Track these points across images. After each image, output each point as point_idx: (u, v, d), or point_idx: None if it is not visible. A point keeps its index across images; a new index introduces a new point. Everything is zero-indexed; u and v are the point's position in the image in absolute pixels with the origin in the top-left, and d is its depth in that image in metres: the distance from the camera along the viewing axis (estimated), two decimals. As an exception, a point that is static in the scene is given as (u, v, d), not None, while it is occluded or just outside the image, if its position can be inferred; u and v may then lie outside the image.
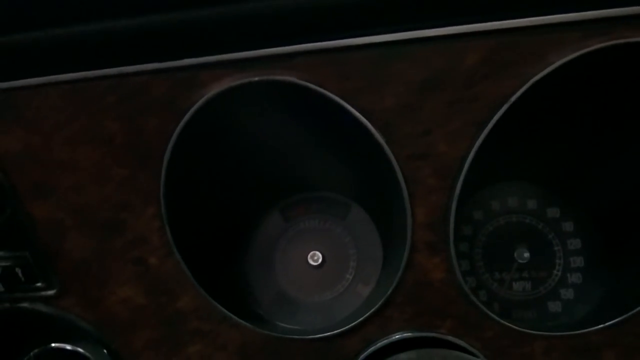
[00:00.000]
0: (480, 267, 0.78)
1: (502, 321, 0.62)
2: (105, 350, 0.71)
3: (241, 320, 0.64)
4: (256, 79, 0.49)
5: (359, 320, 0.63)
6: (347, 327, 0.64)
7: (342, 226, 0.81)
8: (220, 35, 0.49)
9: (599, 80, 0.52)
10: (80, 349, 0.75)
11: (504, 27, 0.46)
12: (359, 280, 0.79)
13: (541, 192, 0.78)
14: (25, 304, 0.68)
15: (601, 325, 0.61)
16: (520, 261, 0.75)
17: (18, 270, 0.63)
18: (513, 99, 0.48)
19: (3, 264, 0.63)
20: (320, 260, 0.78)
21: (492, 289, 0.77)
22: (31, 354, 0.77)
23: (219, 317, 0.65)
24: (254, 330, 0.65)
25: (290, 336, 0.66)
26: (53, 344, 0.77)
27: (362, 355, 0.65)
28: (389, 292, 0.61)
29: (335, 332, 0.64)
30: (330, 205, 0.82)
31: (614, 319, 0.61)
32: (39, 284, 0.66)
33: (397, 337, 0.65)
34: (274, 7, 0.47)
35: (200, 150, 0.59)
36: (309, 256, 0.78)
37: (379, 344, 0.65)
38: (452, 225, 0.56)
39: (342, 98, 0.50)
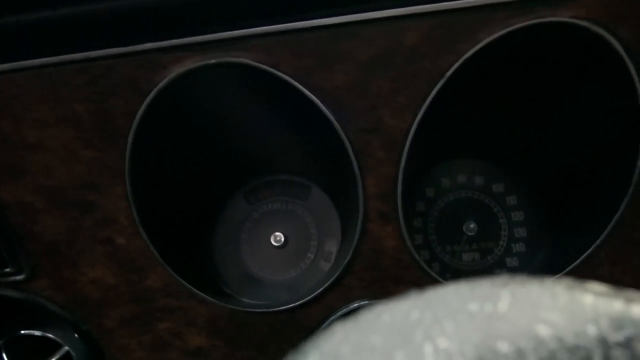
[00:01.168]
0: (434, 241, 0.83)
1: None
2: (76, 334, 0.73)
3: (208, 297, 0.67)
4: (213, 61, 0.53)
5: (319, 290, 0.67)
6: (310, 297, 0.68)
7: (304, 207, 0.85)
8: (181, 19, 0.53)
9: (526, 56, 0.58)
10: (50, 335, 0.77)
11: (439, 9, 0.51)
12: (321, 258, 0.83)
13: (487, 168, 0.84)
14: (-6, 290, 0.70)
15: (540, 284, 0.67)
16: (469, 234, 0.80)
17: (-15, 257, 0.65)
18: (448, 74, 0.54)
19: (-30, 250, 0.65)
20: (282, 241, 0.82)
21: (445, 261, 0.83)
22: (0, 342, 0.78)
23: (187, 294, 0.68)
24: (222, 305, 0.68)
25: (256, 310, 0.69)
26: (22, 331, 0.78)
27: (325, 324, 0.70)
28: (346, 261, 0.66)
29: (298, 302, 0.68)
30: (292, 187, 0.86)
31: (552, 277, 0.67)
32: (7, 269, 0.68)
33: (355, 305, 0.70)
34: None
35: (164, 131, 0.62)
36: (271, 237, 0.82)
37: (339, 312, 0.69)
38: (399, 195, 0.61)
39: (295, 77, 0.54)
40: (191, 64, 0.54)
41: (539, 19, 0.51)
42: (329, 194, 0.83)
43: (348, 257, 0.66)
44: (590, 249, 0.64)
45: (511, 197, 0.83)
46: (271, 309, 0.69)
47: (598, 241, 0.64)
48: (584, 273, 0.66)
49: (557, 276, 0.66)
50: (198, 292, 0.67)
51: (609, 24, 0.52)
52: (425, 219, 0.84)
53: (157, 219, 0.67)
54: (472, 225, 0.80)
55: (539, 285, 0.20)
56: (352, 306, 0.69)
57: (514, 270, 0.82)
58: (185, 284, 0.67)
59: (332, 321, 0.69)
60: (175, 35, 0.53)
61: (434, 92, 0.55)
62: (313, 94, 0.56)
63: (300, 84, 0.55)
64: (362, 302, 0.69)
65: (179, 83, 0.55)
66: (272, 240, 0.82)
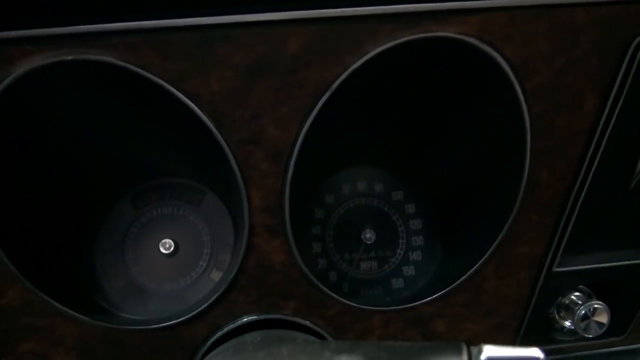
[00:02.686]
0: (332, 249, 0.81)
1: (342, 299, 0.65)
2: None
3: (77, 314, 0.61)
4: (69, 57, 0.46)
5: (203, 306, 0.63)
6: (192, 313, 0.63)
7: (196, 213, 0.80)
8: (28, 6, 0.45)
9: (415, 68, 0.56)
10: None
11: (322, 15, 0.48)
12: (213, 267, 0.78)
13: (387, 176, 0.83)
14: None
15: (429, 298, 0.66)
16: (367, 242, 0.79)
17: None
18: (334, 85, 0.50)
19: None
20: (172, 248, 0.76)
21: (342, 269, 0.81)
22: None
23: (52, 312, 0.61)
24: (93, 323, 0.62)
25: (133, 327, 0.64)
26: None
27: (210, 341, 0.65)
28: (231, 276, 0.62)
29: (180, 319, 0.63)
30: (184, 191, 0.80)
31: (440, 292, 0.67)
32: None
33: (243, 320, 0.66)
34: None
35: (14, 133, 0.54)
36: (160, 244, 0.76)
37: (226, 329, 0.65)
38: (287, 209, 0.58)
39: (166, 81, 0.49)
40: (42, 60, 0.47)
41: (427, 34, 0.49)
42: (223, 199, 0.78)
43: (233, 272, 0.62)
44: (477, 264, 0.64)
45: (410, 205, 0.83)
46: (150, 326, 0.64)
47: (484, 256, 0.64)
48: (472, 286, 0.67)
49: (447, 289, 0.66)
50: (65, 309, 0.61)
51: (496, 42, 0.51)
52: (324, 226, 0.81)
53: (14, 228, 0.59)
54: (370, 234, 0.79)
55: None
56: (239, 322, 0.66)
57: (409, 279, 0.81)
58: (50, 300, 0.60)
59: (217, 338, 0.65)
60: (22, 26, 0.46)
61: (320, 104, 0.52)
62: (189, 100, 0.51)
63: (174, 88, 0.50)
64: (249, 318, 0.66)
65: (31, 80, 0.48)
66: (160, 248, 0.76)
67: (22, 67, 0.47)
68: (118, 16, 0.46)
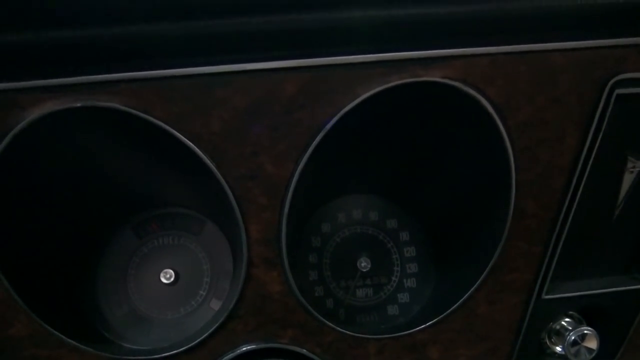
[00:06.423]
0: (328, 277, 0.83)
1: (337, 327, 0.67)
2: None
3: (80, 344, 0.63)
4: (78, 104, 0.49)
5: (203, 335, 0.65)
6: (193, 343, 0.65)
7: (196, 242, 0.82)
8: (40, 58, 0.48)
9: (404, 109, 0.59)
10: None
11: (316, 64, 0.51)
12: (213, 296, 0.80)
13: (382, 204, 0.85)
14: None
15: (423, 325, 0.68)
16: (363, 270, 0.81)
17: None
18: (328, 126, 0.53)
19: None
20: (173, 278, 0.78)
21: (339, 297, 0.83)
22: None
23: (57, 342, 0.63)
24: (96, 353, 0.64)
25: (135, 357, 0.65)
26: None
27: (210, 370, 0.67)
28: (230, 306, 0.64)
29: (180, 349, 0.65)
30: (185, 221, 0.82)
31: (435, 319, 0.68)
32: None
33: (243, 349, 0.68)
34: (96, 36, 0.48)
35: (23, 173, 0.57)
36: (161, 274, 0.78)
37: (225, 357, 0.67)
38: (284, 240, 0.60)
39: (168, 123, 0.52)
40: (53, 106, 0.50)
41: (414, 78, 0.52)
42: (223, 229, 0.81)
43: (232, 303, 0.64)
44: (469, 291, 0.66)
45: (404, 233, 0.85)
46: (152, 356, 0.65)
47: (476, 283, 0.66)
48: (465, 312, 0.69)
49: (440, 316, 0.68)
50: (69, 340, 0.63)
51: (479, 84, 0.54)
52: (320, 254, 0.84)
53: (21, 262, 0.61)
54: (365, 261, 0.81)
55: None
56: (238, 351, 0.68)
57: (404, 306, 0.83)
58: (54, 331, 0.62)
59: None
60: (33, 76, 0.49)
61: (315, 143, 0.55)
62: (189, 140, 0.54)
63: (175, 129, 0.53)
64: (248, 347, 0.68)
65: (42, 125, 0.51)
66: (161, 278, 0.78)
67: (34, 113, 0.50)
68: (123, 65, 0.49)
